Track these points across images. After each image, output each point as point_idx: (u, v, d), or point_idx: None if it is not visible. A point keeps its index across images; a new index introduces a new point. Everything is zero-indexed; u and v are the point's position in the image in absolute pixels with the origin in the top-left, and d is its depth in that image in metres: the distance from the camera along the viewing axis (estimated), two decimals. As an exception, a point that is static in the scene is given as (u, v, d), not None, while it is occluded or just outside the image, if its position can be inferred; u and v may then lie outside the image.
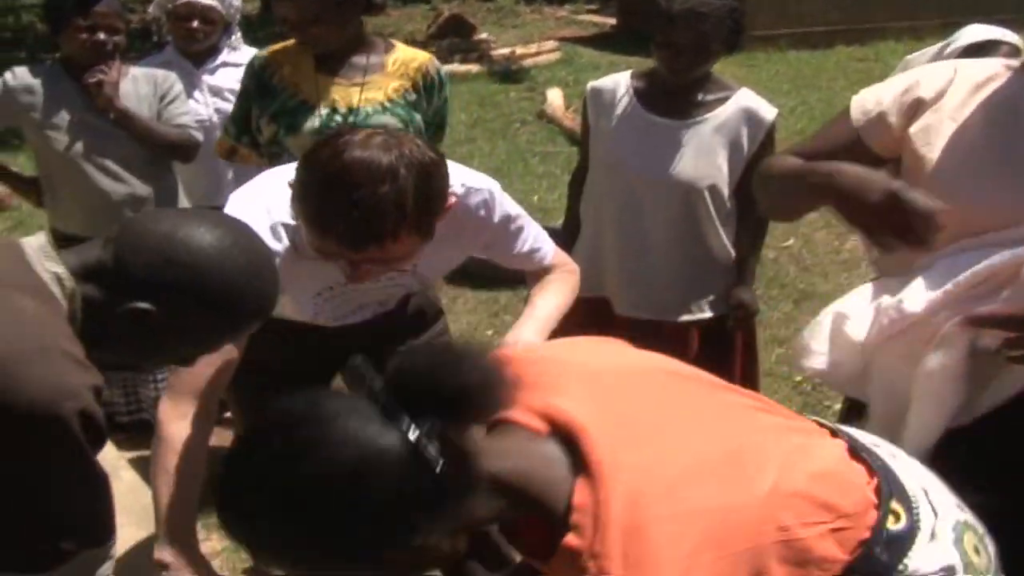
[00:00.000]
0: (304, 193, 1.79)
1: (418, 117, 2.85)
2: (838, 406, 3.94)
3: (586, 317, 2.94)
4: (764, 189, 2.08)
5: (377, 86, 2.81)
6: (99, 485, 1.55)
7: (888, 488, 1.53)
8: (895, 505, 1.52)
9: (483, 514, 1.36)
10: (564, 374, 1.52)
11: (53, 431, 1.38)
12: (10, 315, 1.39)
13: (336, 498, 1.20)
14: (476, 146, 7.46)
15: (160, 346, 1.60)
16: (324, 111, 2.77)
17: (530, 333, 2.05)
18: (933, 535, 1.53)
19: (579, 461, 1.36)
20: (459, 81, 8.79)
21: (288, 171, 1.94)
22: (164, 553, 1.79)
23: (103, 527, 1.59)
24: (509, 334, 2.06)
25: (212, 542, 3.31)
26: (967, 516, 1.62)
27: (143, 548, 1.61)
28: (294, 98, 2.80)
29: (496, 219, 2.09)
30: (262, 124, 2.85)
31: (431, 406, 1.25)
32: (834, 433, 1.66)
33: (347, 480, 1.20)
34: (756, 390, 3.22)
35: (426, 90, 2.87)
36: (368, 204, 1.71)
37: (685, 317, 3.04)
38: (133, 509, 2.41)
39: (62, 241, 3.32)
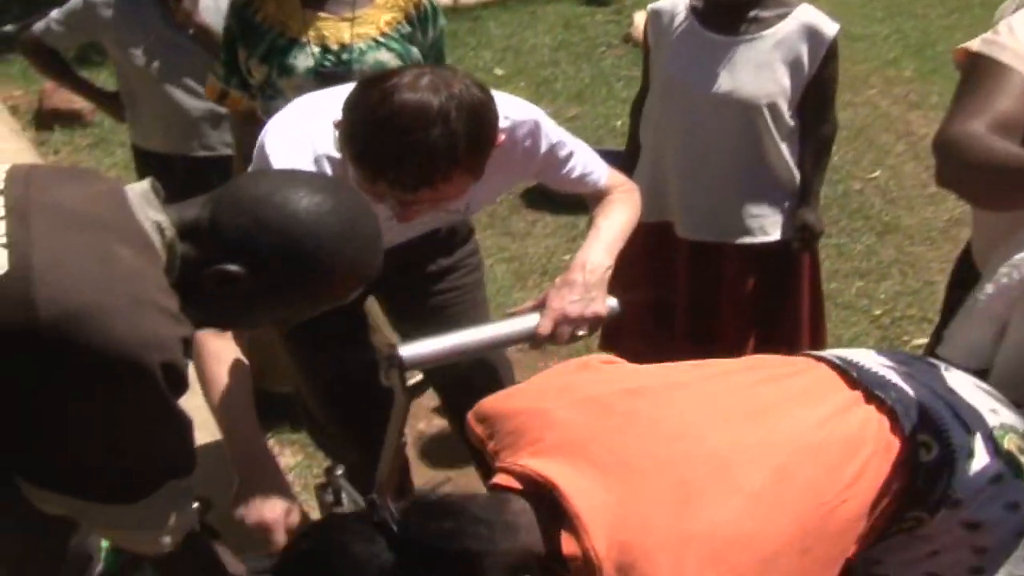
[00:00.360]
0: (352, 136, 1.77)
1: (415, 51, 2.73)
2: (917, 340, 3.91)
3: (649, 243, 2.91)
4: (966, 171, 1.81)
5: (368, 20, 2.69)
6: (181, 427, 1.56)
7: (911, 423, 1.53)
8: (922, 436, 1.53)
9: None
10: (537, 425, 1.57)
11: (138, 381, 1.39)
12: (106, 264, 1.39)
13: None
14: (560, 69, 7.35)
15: (248, 310, 1.59)
16: (315, 49, 2.66)
17: (598, 255, 2.02)
18: (971, 453, 1.53)
19: (559, 512, 1.43)
20: (544, 3, 8.66)
21: (329, 101, 1.92)
22: (254, 510, 1.86)
23: (185, 463, 1.61)
24: (577, 256, 2.03)
25: (285, 457, 3.39)
26: (1004, 417, 1.60)
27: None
28: (282, 37, 2.67)
29: (543, 148, 2.06)
30: (251, 66, 2.72)
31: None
32: (844, 371, 1.63)
33: None
34: (821, 317, 3.18)
35: (420, 21, 2.74)
36: (420, 148, 1.69)
37: (747, 239, 2.98)
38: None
39: (142, 157, 3.37)
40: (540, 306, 1.95)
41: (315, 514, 2.73)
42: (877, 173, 5.48)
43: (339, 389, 2.41)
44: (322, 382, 2.44)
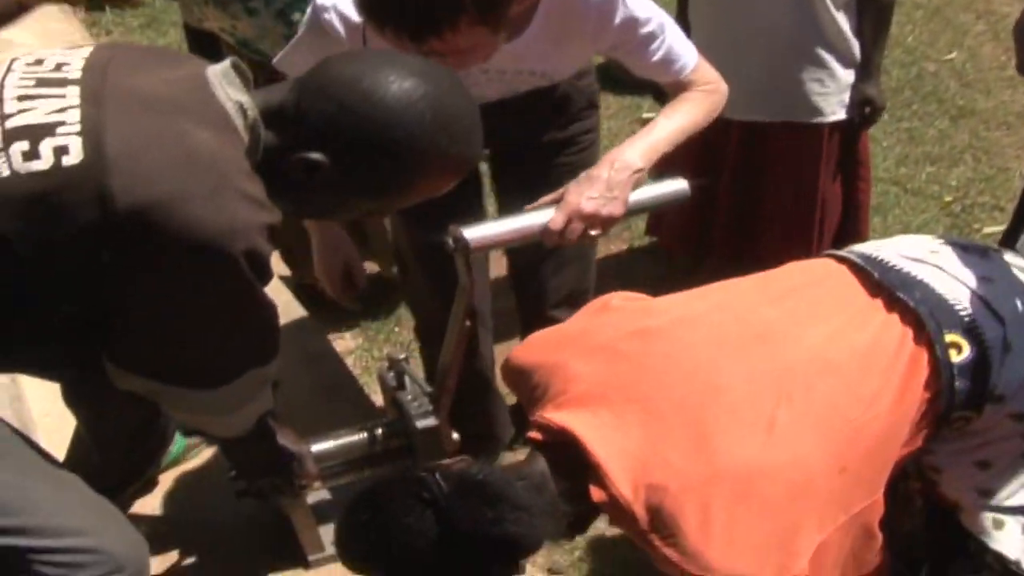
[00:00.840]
0: None
1: None
2: (989, 229, 3.80)
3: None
4: None
5: None
6: (266, 315, 1.55)
7: (935, 322, 1.49)
8: (951, 337, 1.51)
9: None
10: (555, 379, 1.61)
11: (222, 269, 1.37)
12: (184, 149, 1.35)
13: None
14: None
15: (331, 202, 1.55)
16: None
17: (633, 154, 1.91)
18: (1007, 346, 1.50)
19: (584, 462, 1.48)
20: None
21: None
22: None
23: (269, 349, 1.61)
24: (611, 151, 1.94)
25: (344, 341, 3.39)
26: None
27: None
28: None
29: (617, 19, 1.94)
30: None
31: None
32: (866, 272, 1.59)
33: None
34: (867, 198, 3.06)
35: None
36: None
37: (803, 118, 2.86)
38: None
39: (194, 37, 3.32)
40: (559, 200, 1.88)
41: (376, 397, 2.75)
42: (953, 54, 5.25)
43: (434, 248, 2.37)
44: (420, 234, 2.37)
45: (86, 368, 1.58)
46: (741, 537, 1.40)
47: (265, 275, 1.45)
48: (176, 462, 2.44)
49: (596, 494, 1.46)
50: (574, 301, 1.91)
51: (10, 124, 1.33)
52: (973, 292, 1.55)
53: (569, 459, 1.50)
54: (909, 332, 1.52)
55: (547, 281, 2.40)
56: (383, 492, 1.50)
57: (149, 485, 2.38)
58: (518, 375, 1.73)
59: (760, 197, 3.02)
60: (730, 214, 3.08)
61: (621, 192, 1.87)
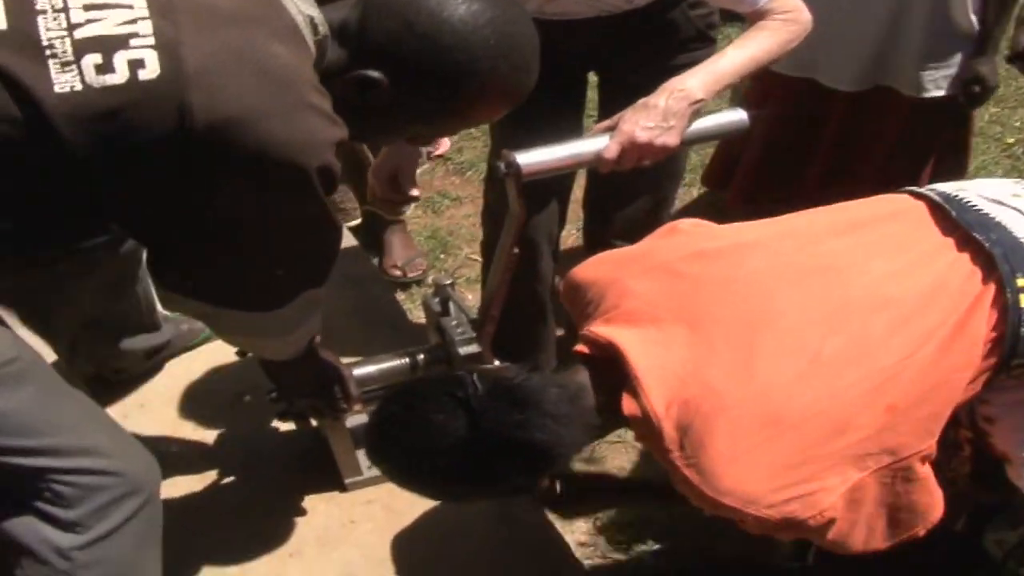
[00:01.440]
0: None
1: None
2: (1051, 172, 3.69)
3: (794, 100, 2.64)
4: None
5: None
6: (332, 233, 1.53)
7: (1009, 266, 1.45)
8: (1022, 282, 1.44)
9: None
10: (610, 294, 1.59)
11: (296, 184, 1.35)
12: (260, 64, 1.31)
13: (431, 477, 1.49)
14: None
15: (385, 122, 1.53)
16: None
17: (694, 83, 1.83)
18: None
19: (624, 375, 1.46)
20: None
21: None
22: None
23: (326, 270, 1.59)
24: (673, 79, 1.85)
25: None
26: None
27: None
28: None
29: None
30: None
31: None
32: (943, 209, 1.53)
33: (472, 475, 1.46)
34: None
35: None
36: None
37: (911, 91, 2.70)
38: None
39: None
40: (614, 127, 1.82)
41: (419, 324, 2.72)
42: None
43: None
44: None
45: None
46: (765, 463, 1.37)
47: (333, 188, 1.43)
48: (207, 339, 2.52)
49: (628, 406, 1.45)
50: (640, 233, 1.85)
51: (79, 34, 1.27)
52: None
53: (611, 373, 1.49)
54: (978, 273, 1.47)
55: (616, 211, 2.34)
56: (419, 388, 1.52)
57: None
58: (575, 291, 1.70)
59: (856, 171, 2.88)
60: (824, 183, 2.94)
61: (678, 122, 1.81)
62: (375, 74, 1.43)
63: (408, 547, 2.07)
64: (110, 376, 2.47)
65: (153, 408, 2.43)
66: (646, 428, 1.44)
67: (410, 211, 3.38)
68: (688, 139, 1.85)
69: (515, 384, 1.45)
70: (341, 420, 2.04)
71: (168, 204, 1.35)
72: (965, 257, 1.48)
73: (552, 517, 2.31)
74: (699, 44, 2.22)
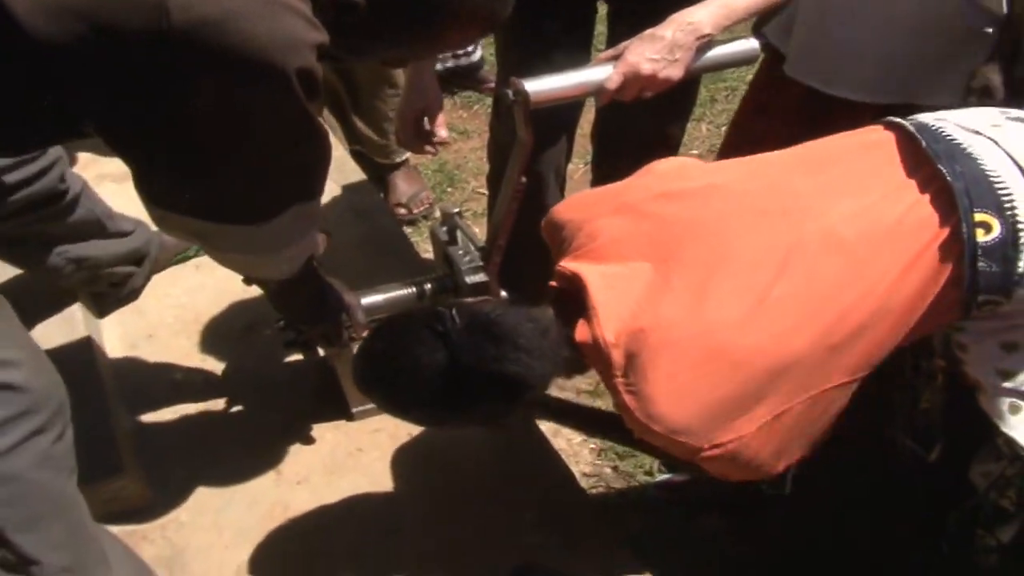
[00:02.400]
0: None
1: None
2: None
3: (802, 108, 2.48)
4: None
5: None
6: (317, 140, 1.50)
7: (967, 200, 1.44)
8: (981, 216, 1.43)
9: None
10: (580, 232, 1.63)
11: (274, 85, 1.32)
12: None
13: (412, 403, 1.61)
14: None
15: (362, 45, 1.51)
16: None
17: (702, 15, 1.79)
18: None
19: (584, 306, 1.52)
20: None
21: None
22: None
23: (316, 182, 1.58)
24: (683, 11, 1.81)
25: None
26: None
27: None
28: None
29: None
30: None
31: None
32: (912, 142, 1.51)
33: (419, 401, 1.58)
34: None
35: None
36: None
37: (924, 101, 2.21)
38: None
39: None
40: (619, 56, 1.79)
41: (426, 255, 2.72)
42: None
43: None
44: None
45: None
46: (702, 395, 1.42)
47: (315, 94, 1.41)
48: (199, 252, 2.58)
49: (581, 333, 1.52)
50: (650, 153, 1.83)
51: None
52: (1021, 169, 1.47)
53: (576, 305, 1.55)
54: (938, 211, 1.46)
55: (624, 145, 2.32)
56: (401, 324, 1.61)
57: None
58: (553, 229, 1.73)
59: None
60: None
61: (683, 55, 1.78)
62: None
63: (414, 475, 2.09)
64: (109, 292, 2.49)
65: (161, 339, 2.45)
66: (596, 354, 1.50)
67: (408, 155, 3.35)
68: (696, 69, 1.83)
69: (491, 319, 1.54)
70: (348, 349, 2.05)
71: (146, 107, 1.33)
72: (927, 197, 1.48)
73: (557, 448, 2.32)
74: None
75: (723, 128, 4.08)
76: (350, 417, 2.21)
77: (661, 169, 1.70)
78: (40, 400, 1.52)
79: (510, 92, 1.76)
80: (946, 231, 1.44)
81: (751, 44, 1.89)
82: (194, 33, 1.25)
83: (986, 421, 1.56)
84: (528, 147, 1.83)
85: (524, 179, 1.89)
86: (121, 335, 2.45)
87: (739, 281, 1.45)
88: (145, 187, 1.50)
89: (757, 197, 1.54)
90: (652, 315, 1.45)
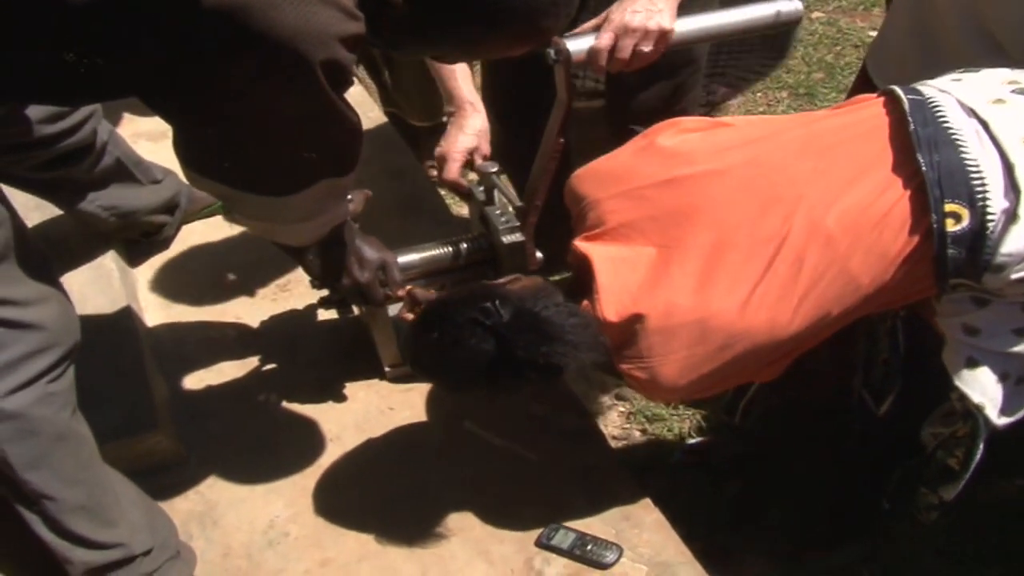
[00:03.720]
0: None
1: None
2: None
3: None
4: None
5: None
6: (344, 126, 1.50)
7: (939, 190, 1.50)
8: (952, 207, 1.49)
9: None
10: (593, 213, 1.72)
11: (298, 75, 1.33)
12: None
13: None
14: None
15: (399, 41, 1.52)
16: None
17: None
18: (1015, 216, 1.48)
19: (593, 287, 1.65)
20: None
21: None
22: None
23: (345, 161, 1.58)
24: None
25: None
26: None
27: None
28: None
29: None
30: None
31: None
32: (902, 118, 1.56)
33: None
34: None
35: None
36: None
37: None
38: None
39: None
40: (602, 23, 1.78)
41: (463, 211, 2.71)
42: None
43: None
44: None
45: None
46: (696, 368, 1.58)
47: (345, 83, 1.42)
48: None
49: (586, 310, 1.64)
50: (659, 120, 1.82)
51: None
52: (1003, 157, 1.49)
53: (586, 285, 1.66)
54: (919, 203, 1.52)
55: (633, 97, 2.30)
56: (450, 314, 1.66)
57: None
58: (571, 200, 1.81)
59: None
60: None
61: (666, 4, 1.77)
62: None
63: (445, 435, 2.10)
64: (141, 241, 2.51)
65: (195, 296, 2.46)
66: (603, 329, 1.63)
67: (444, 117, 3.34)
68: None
69: (538, 317, 1.62)
70: (384, 308, 2.05)
71: (178, 81, 1.34)
72: (912, 187, 1.52)
73: (587, 411, 2.32)
74: None
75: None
76: (383, 376, 2.21)
77: (663, 145, 1.72)
78: (54, 338, 1.54)
79: (552, 51, 1.74)
80: (926, 222, 1.51)
81: (793, 5, 1.85)
82: (224, 15, 1.26)
83: (942, 379, 1.62)
84: (567, 107, 1.81)
85: (562, 139, 1.87)
86: (156, 292, 2.46)
87: (734, 273, 1.55)
88: (181, 149, 1.51)
89: (756, 184, 1.60)
90: (651, 299, 1.58)
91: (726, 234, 1.57)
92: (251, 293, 2.46)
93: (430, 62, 2.16)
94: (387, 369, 2.20)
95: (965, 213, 1.49)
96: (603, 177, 1.75)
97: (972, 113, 1.54)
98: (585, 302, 1.65)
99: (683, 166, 1.66)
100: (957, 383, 1.60)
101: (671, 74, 2.30)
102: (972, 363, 1.59)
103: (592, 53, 1.77)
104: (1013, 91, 1.56)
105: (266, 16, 1.27)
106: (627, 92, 2.31)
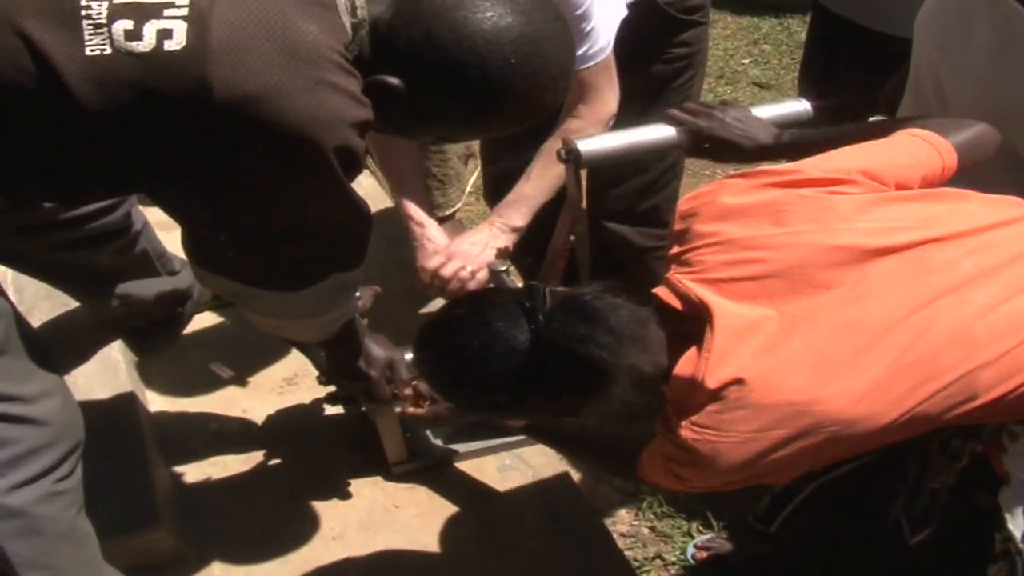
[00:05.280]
0: None
1: None
2: None
3: None
4: None
5: None
6: (355, 216, 1.51)
7: None
8: None
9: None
10: (718, 249, 1.48)
11: (311, 162, 1.35)
12: (290, 44, 1.31)
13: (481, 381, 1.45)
14: None
15: (403, 124, 1.53)
16: None
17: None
18: None
19: (698, 338, 1.42)
20: None
21: None
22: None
23: (355, 254, 1.59)
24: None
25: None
26: None
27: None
28: None
29: None
30: None
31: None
32: None
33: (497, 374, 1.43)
34: None
35: None
36: None
37: None
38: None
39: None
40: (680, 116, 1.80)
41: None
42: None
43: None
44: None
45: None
46: (762, 453, 1.39)
47: (356, 167, 1.43)
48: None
49: (684, 366, 1.42)
50: (633, 217, 1.85)
51: (117, 0, 1.29)
52: None
53: (684, 330, 1.45)
54: None
55: (605, 191, 2.32)
56: (489, 295, 1.52)
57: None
58: (687, 221, 1.55)
59: None
60: None
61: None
62: (393, 80, 1.43)
63: (451, 533, 2.07)
64: (149, 331, 2.47)
65: (201, 388, 2.44)
66: (682, 389, 1.42)
67: (461, 204, 3.37)
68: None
69: (586, 300, 1.44)
70: (390, 405, 2.04)
71: (188, 175, 1.35)
72: None
73: (595, 507, 2.29)
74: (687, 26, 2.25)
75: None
76: (388, 473, 2.19)
77: (845, 210, 1.50)
78: (58, 435, 1.52)
79: (563, 151, 1.76)
80: None
81: (801, 106, 1.87)
82: (234, 108, 1.28)
83: (986, 521, 1.52)
84: (576, 206, 1.82)
85: (572, 237, 1.88)
86: (162, 383, 2.45)
87: (860, 357, 1.37)
88: (189, 245, 1.52)
89: (912, 269, 1.44)
90: (759, 369, 1.38)
91: (862, 317, 1.40)
92: (258, 386, 2.45)
93: (386, 172, 2.22)
94: (393, 466, 2.18)
95: None
96: (737, 214, 1.50)
97: None
98: (688, 356, 1.43)
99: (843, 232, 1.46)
100: (1010, 525, 1.49)
101: (643, 171, 2.32)
102: None
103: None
104: None
105: (279, 106, 1.29)
106: (599, 189, 2.33)
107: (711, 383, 1.38)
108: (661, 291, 1.50)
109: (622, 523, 2.55)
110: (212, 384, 2.45)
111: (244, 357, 2.52)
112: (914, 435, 1.46)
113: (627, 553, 2.31)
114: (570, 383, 1.43)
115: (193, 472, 2.22)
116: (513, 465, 2.23)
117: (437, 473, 2.19)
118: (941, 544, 1.63)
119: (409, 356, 2.02)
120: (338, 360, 1.89)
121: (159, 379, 2.47)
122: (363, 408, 2.12)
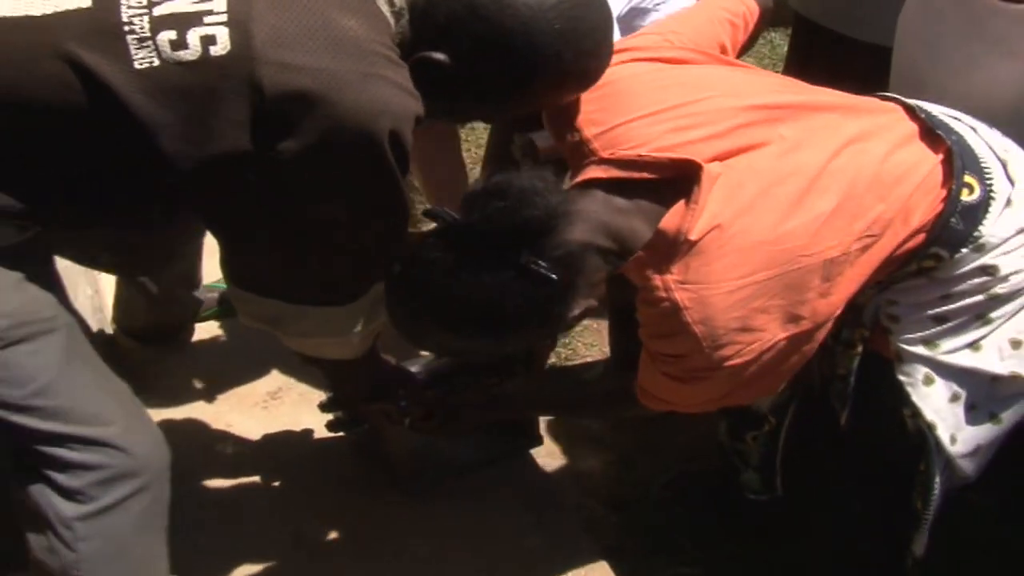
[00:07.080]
0: None
1: None
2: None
3: None
4: None
5: None
6: (402, 213, 1.51)
7: (961, 162, 1.57)
8: (968, 178, 1.57)
9: (597, 280, 1.52)
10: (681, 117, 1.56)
11: (366, 154, 1.35)
12: (332, 38, 1.32)
13: (476, 322, 1.46)
14: None
15: (448, 102, 1.52)
16: None
17: None
18: (1009, 202, 1.58)
19: (689, 192, 1.48)
20: None
21: None
22: None
23: (397, 251, 1.56)
24: None
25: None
26: None
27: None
28: None
29: None
30: None
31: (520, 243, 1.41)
32: (910, 111, 1.65)
33: (484, 313, 1.44)
34: None
35: None
36: None
37: None
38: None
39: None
40: None
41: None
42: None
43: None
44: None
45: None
46: (748, 302, 1.48)
47: (405, 164, 1.42)
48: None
49: (670, 220, 1.47)
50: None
51: (157, 12, 1.30)
52: (995, 154, 1.62)
53: (672, 184, 1.50)
54: (939, 167, 1.58)
55: None
56: (413, 248, 1.49)
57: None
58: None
59: None
60: None
61: None
62: (438, 55, 1.43)
63: (443, 550, 2.06)
64: (170, 336, 2.43)
65: (186, 402, 2.42)
66: (664, 250, 1.48)
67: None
68: None
69: (485, 184, 1.45)
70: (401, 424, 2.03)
71: (241, 185, 1.35)
72: (939, 159, 1.59)
73: (583, 526, 2.28)
74: None
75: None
76: (379, 491, 2.17)
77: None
78: (141, 462, 1.52)
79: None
80: (944, 185, 1.56)
81: None
82: (287, 106, 1.29)
83: (895, 395, 1.63)
84: None
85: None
86: (145, 398, 2.41)
87: (811, 200, 1.50)
88: (232, 266, 1.51)
89: (825, 132, 1.59)
90: (732, 217, 1.47)
91: (799, 165, 1.53)
92: (242, 400, 2.43)
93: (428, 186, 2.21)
94: (399, 484, 2.17)
95: (977, 187, 1.56)
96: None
97: (957, 119, 1.66)
98: (674, 210, 1.49)
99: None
100: (914, 399, 1.61)
101: None
102: (928, 380, 1.61)
103: None
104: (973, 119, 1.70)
105: (328, 100, 1.30)
106: None
107: (694, 235, 1.45)
108: (601, 169, 1.53)
109: (610, 538, 2.54)
110: (196, 398, 2.43)
111: (228, 371, 2.49)
112: (848, 300, 1.56)
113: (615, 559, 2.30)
114: (523, 295, 1.42)
115: (176, 488, 2.18)
116: (506, 468, 2.25)
117: (432, 493, 2.18)
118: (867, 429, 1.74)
119: (415, 367, 2.02)
120: (359, 382, 1.89)
121: (142, 394, 2.43)
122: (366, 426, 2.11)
